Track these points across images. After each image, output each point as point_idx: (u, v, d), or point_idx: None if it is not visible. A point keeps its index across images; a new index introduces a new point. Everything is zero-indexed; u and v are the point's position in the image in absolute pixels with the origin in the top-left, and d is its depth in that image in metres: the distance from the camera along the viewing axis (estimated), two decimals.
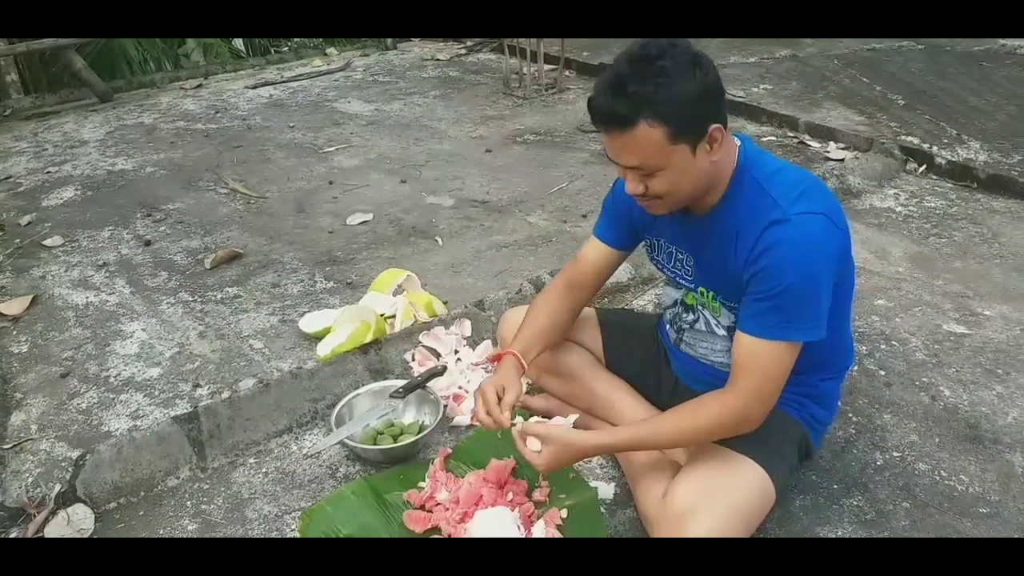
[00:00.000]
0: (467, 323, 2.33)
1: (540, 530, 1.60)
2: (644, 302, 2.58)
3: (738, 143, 1.50)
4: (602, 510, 1.72)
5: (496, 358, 1.71)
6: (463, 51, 6.05)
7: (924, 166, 3.57)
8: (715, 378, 1.60)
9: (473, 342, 2.30)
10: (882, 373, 2.17)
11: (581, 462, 1.86)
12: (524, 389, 1.64)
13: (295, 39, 6.73)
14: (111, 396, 2.13)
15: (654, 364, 1.86)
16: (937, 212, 3.20)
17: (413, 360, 2.21)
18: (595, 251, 1.77)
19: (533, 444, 1.53)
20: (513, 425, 1.56)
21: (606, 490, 1.78)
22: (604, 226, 1.77)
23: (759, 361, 1.43)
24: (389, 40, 6.25)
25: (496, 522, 1.59)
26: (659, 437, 1.53)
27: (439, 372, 2.07)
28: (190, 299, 2.61)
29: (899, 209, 3.25)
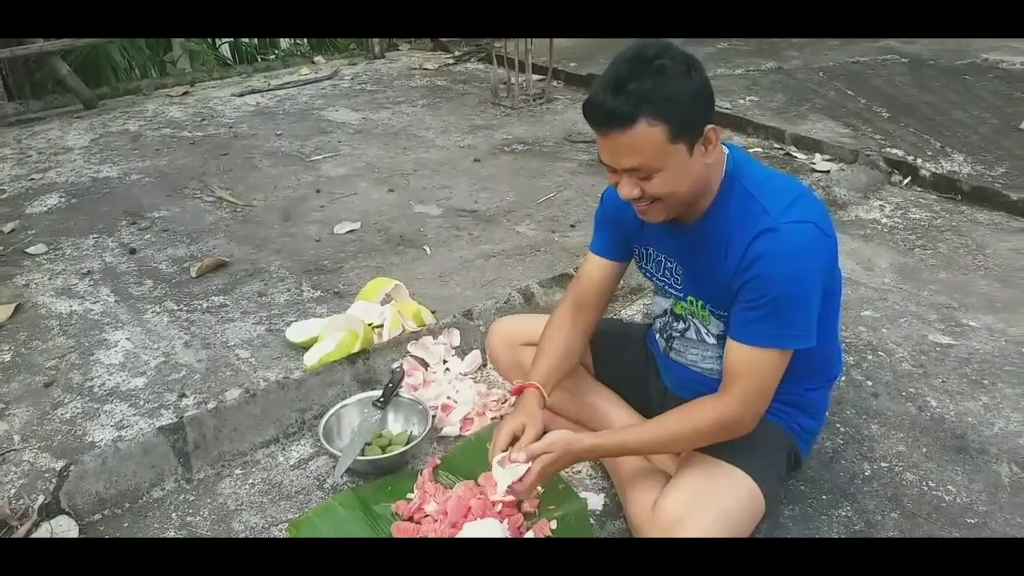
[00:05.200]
0: (455, 333, 2.32)
1: None
2: (633, 312, 2.58)
3: (726, 151, 1.51)
4: (592, 521, 1.72)
5: (518, 391, 1.67)
6: (451, 60, 6.06)
7: (909, 178, 3.60)
8: (705, 386, 1.61)
9: (462, 352, 2.29)
10: (869, 383, 2.18)
11: (571, 473, 1.86)
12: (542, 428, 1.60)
13: (283, 47, 6.71)
14: (95, 406, 2.10)
15: (643, 373, 1.86)
16: (922, 224, 3.23)
17: (401, 370, 2.19)
18: (595, 267, 1.74)
19: (516, 471, 1.50)
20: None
21: (596, 501, 1.78)
22: (599, 240, 1.75)
23: (751, 368, 1.44)
24: (377, 48, 6.24)
25: (485, 534, 1.58)
26: (655, 440, 1.52)
27: (400, 375, 2.06)
28: (175, 308, 2.59)
29: (884, 220, 3.27)
